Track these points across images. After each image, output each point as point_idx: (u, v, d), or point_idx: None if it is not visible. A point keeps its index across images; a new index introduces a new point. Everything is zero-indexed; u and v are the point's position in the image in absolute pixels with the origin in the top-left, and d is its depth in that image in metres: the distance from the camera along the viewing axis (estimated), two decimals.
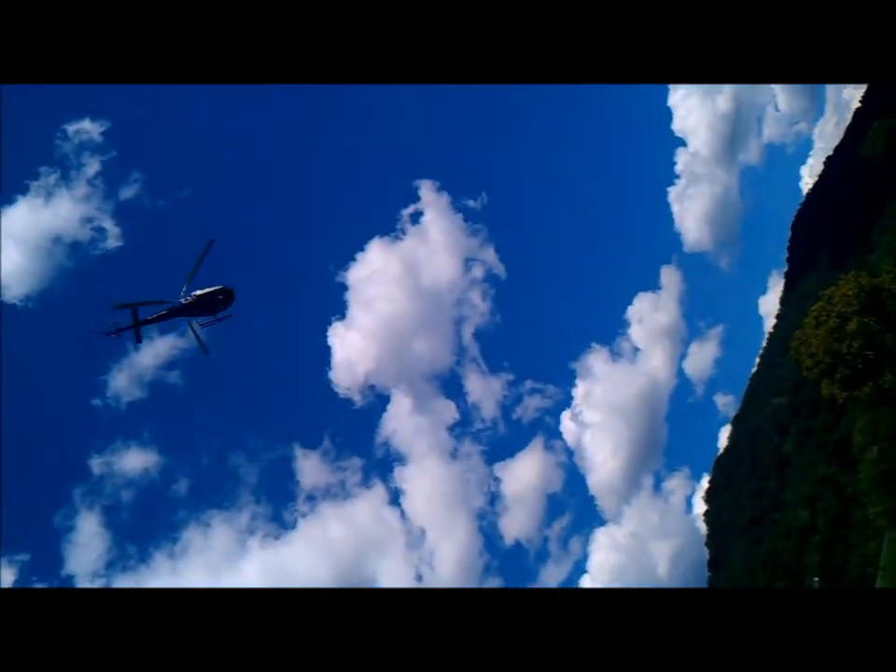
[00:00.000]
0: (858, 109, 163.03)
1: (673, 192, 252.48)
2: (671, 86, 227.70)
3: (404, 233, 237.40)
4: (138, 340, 44.85)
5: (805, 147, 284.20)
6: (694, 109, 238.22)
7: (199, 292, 45.70)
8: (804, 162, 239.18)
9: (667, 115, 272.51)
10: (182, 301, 45.55)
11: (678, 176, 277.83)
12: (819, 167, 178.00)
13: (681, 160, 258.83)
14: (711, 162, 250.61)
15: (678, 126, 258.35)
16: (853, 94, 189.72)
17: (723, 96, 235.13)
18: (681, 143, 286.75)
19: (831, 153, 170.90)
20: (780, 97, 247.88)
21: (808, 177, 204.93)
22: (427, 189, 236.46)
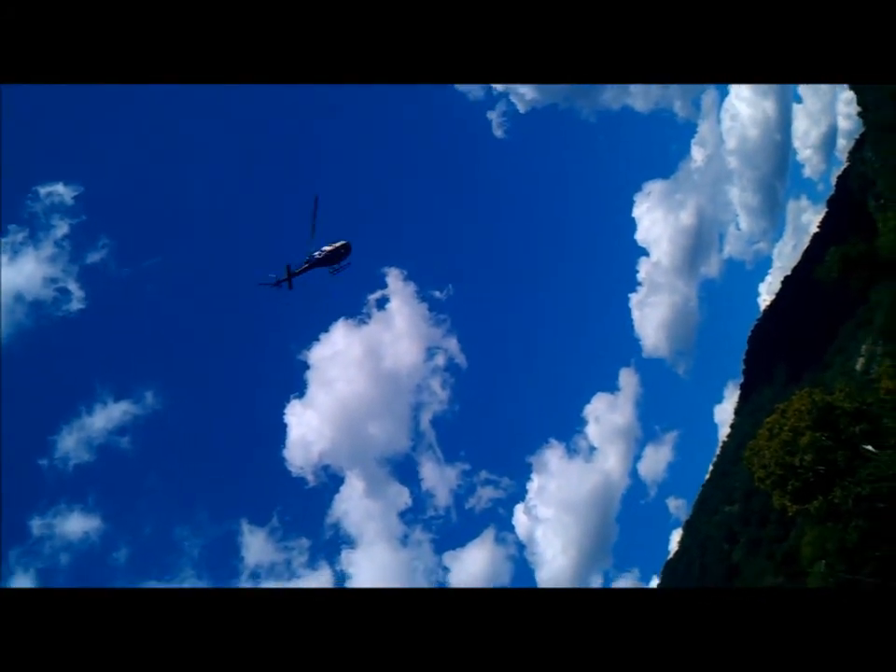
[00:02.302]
0: (816, 234, 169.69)
1: (634, 298, 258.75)
2: (636, 198, 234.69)
3: (369, 318, 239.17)
4: (290, 287, 58.01)
5: (764, 265, 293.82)
6: (658, 221, 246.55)
7: (327, 248, 58.06)
8: (762, 280, 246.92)
9: (632, 225, 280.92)
10: (316, 255, 57.91)
11: (640, 284, 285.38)
12: (777, 285, 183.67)
13: (644, 268, 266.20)
14: (672, 273, 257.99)
15: (641, 236, 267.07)
16: (812, 219, 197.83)
17: (686, 212, 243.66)
18: (644, 252, 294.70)
19: (789, 273, 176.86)
20: (742, 217, 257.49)
21: (766, 294, 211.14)
22: (394, 277, 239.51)
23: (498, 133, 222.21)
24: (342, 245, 58.72)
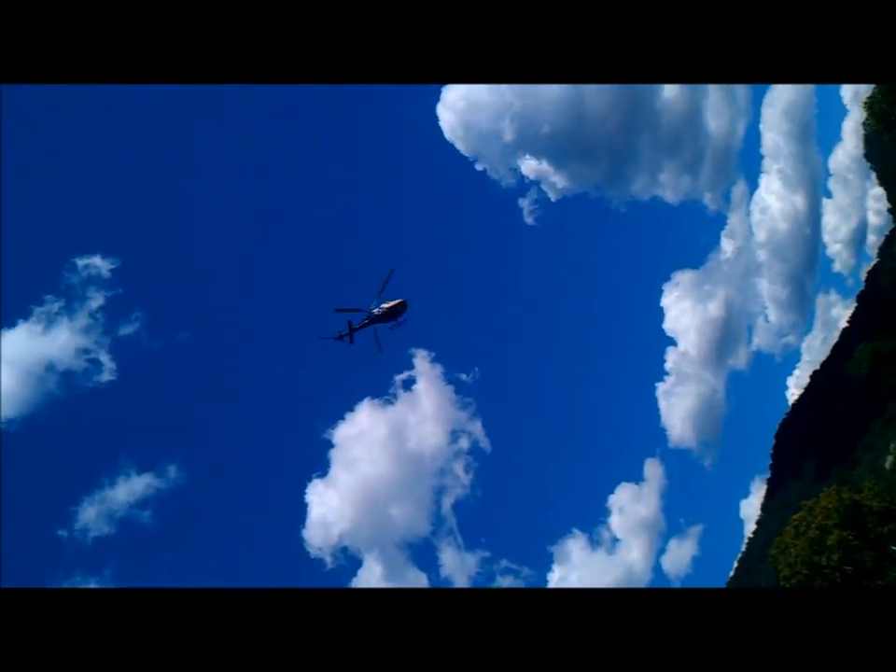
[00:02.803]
0: (845, 328, 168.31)
1: (661, 388, 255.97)
2: (664, 287, 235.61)
3: (395, 398, 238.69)
4: (351, 342, 62.53)
5: (792, 358, 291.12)
6: (686, 311, 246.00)
7: (385, 305, 62.16)
8: (790, 373, 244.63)
9: (660, 314, 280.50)
10: (375, 311, 62.11)
11: (667, 373, 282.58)
12: (806, 379, 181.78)
13: (671, 358, 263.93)
14: (699, 364, 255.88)
15: (669, 325, 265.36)
16: (841, 313, 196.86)
17: (715, 303, 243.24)
18: (672, 342, 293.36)
19: (817, 367, 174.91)
20: (771, 310, 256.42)
21: (794, 388, 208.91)
22: (421, 359, 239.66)
23: (529, 220, 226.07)
24: (399, 303, 62.81)
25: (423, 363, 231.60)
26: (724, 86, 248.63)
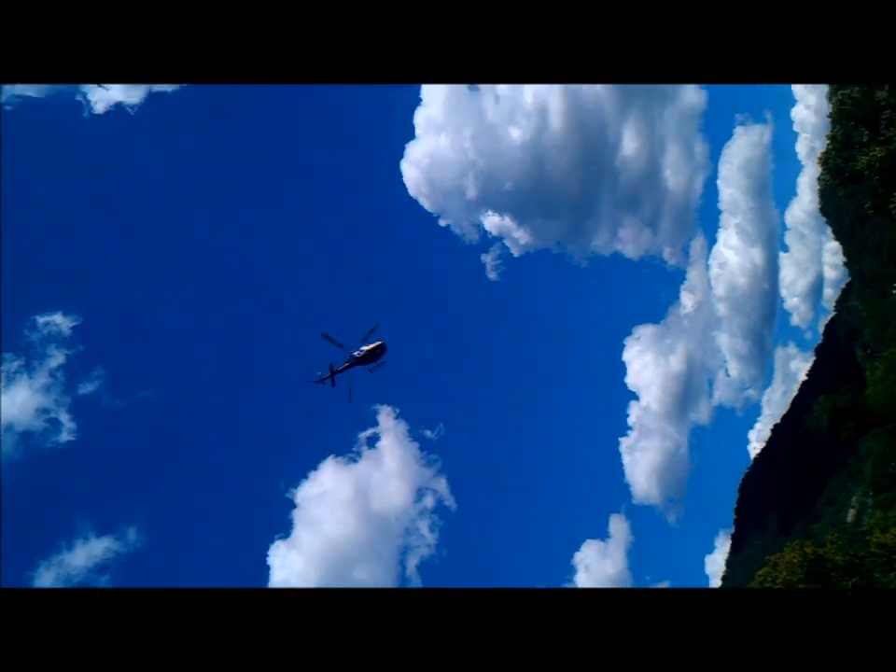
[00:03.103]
0: (804, 382, 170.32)
1: (625, 443, 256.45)
2: (626, 342, 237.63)
3: (360, 456, 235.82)
4: (333, 384, 65.64)
5: (753, 411, 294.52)
6: (648, 365, 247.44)
7: (366, 348, 65.24)
8: (752, 427, 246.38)
9: (622, 368, 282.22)
10: (355, 354, 65.15)
11: (630, 428, 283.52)
12: (767, 433, 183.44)
13: (634, 412, 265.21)
14: (662, 418, 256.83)
15: (631, 380, 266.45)
16: (800, 367, 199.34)
17: (676, 357, 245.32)
18: (634, 396, 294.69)
19: (778, 421, 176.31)
20: (731, 364, 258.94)
21: (756, 442, 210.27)
22: (386, 415, 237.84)
23: (493, 275, 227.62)
24: (378, 346, 66.17)
25: (387, 420, 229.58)
26: (682, 143, 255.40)
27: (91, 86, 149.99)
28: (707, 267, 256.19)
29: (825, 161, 73.35)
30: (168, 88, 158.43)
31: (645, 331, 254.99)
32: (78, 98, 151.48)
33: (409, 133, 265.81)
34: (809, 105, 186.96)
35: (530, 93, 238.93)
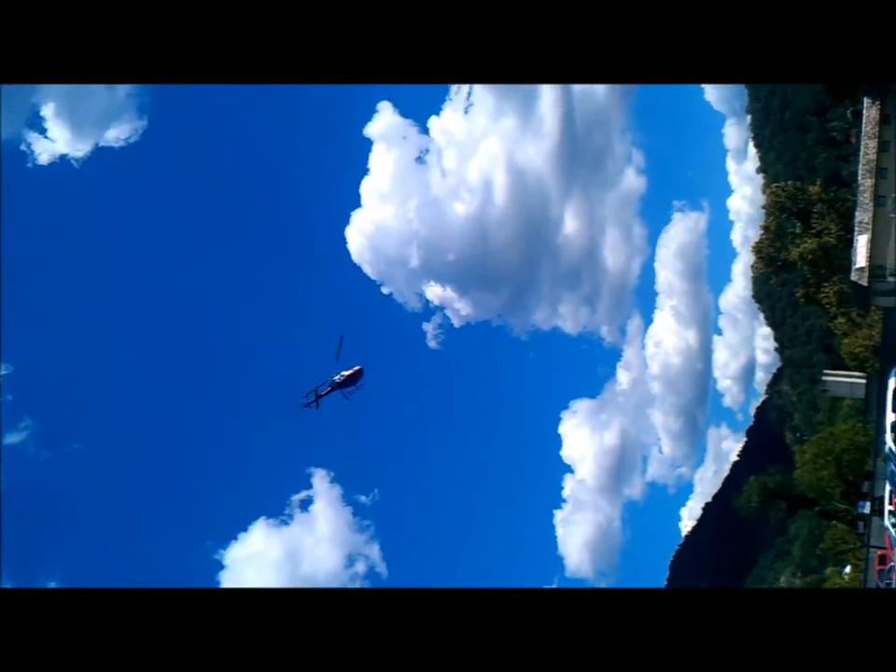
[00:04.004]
0: (735, 462, 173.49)
1: (559, 515, 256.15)
2: (562, 415, 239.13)
3: (291, 519, 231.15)
4: (317, 407, 70.67)
5: (685, 490, 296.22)
6: (584, 439, 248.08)
7: (345, 373, 70.23)
8: (683, 504, 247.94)
9: (558, 441, 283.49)
10: (336, 379, 69.97)
11: (564, 501, 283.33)
12: (699, 511, 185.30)
13: (568, 485, 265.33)
14: (596, 492, 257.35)
15: (566, 453, 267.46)
16: (732, 447, 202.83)
17: (611, 432, 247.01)
18: (569, 469, 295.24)
19: (709, 499, 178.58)
20: (665, 441, 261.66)
21: (687, 519, 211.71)
22: (320, 478, 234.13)
23: (433, 344, 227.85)
24: (356, 371, 71.43)
25: (322, 483, 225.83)
26: (621, 226, 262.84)
27: (35, 136, 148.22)
28: (643, 346, 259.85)
29: (759, 249, 76.25)
30: (114, 143, 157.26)
31: (581, 406, 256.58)
32: (23, 148, 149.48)
33: (354, 202, 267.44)
34: (745, 196, 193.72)
35: (476, 169, 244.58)
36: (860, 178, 55.17)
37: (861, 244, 53.65)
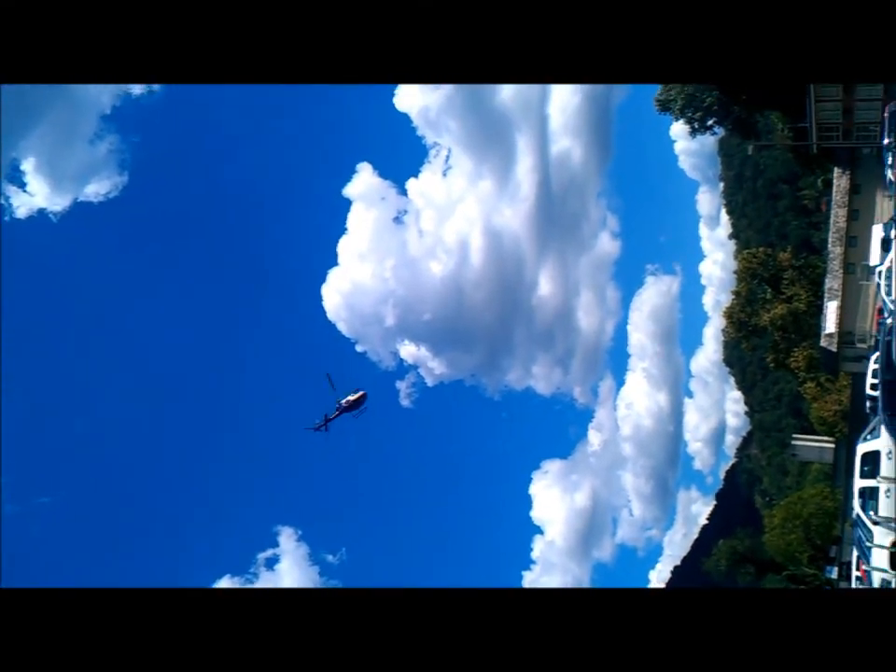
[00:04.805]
0: (705, 525, 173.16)
1: (528, 577, 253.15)
2: (534, 475, 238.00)
3: (256, 577, 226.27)
4: (326, 430, 78.24)
5: (655, 552, 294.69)
6: (555, 500, 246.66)
7: (351, 397, 77.45)
8: (653, 567, 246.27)
9: (528, 502, 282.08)
10: (343, 403, 77.35)
11: (533, 562, 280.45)
12: (667, 574, 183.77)
13: (538, 546, 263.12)
14: (566, 554, 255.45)
15: (537, 513, 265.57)
16: (701, 510, 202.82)
17: (582, 493, 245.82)
18: (539, 531, 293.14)
19: (678, 562, 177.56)
20: (635, 503, 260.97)
21: (657, 582, 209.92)
22: (287, 537, 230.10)
23: (406, 402, 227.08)
24: (361, 395, 78.41)
25: (288, 541, 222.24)
26: (595, 288, 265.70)
27: (14, 189, 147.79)
28: (615, 407, 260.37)
29: (730, 314, 77.20)
30: (93, 198, 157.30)
31: (553, 466, 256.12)
32: (0, 201, 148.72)
33: (332, 260, 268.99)
34: (717, 261, 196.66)
35: (453, 230, 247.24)
36: (830, 246, 56.35)
37: (831, 310, 54.54)
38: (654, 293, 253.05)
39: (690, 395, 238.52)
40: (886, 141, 36.65)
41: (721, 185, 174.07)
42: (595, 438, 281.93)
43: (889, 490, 27.18)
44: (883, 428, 27.28)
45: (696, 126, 69.56)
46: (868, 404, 39.87)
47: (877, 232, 44.20)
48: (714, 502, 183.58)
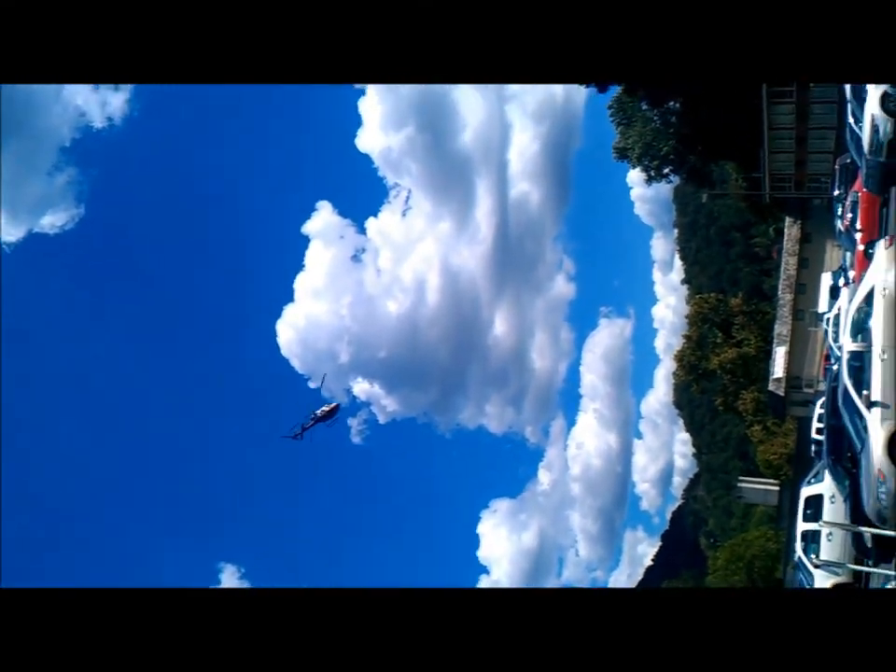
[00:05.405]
0: (649, 566, 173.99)
1: None
2: (482, 514, 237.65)
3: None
4: (302, 438, 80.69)
5: None
6: (502, 539, 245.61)
7: (325, 408, 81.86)
8: None
9: (475, 541, 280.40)
10: (318, 413, 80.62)
11: None
12: None
13: (483, 586, 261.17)
14: None
15: (483, 553, 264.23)
16: (647, 551, 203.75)
17: (529, 533, 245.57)
18: (485, 570, 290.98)
19: None
20: (582, 543, 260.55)
21: None
22: (229, 574, 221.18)
23: (357, 439, 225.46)
24: (334, 407, 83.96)
25: (230, 579, 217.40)
26: (549, 329, 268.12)
27: None
28: (566, 447, 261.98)
29: (681, 357, 78.41)
30: (49, 230, 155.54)
31: (502, 505, 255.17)
32: None
33: (288, 296, 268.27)
34: (669, 305, 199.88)
35: (410, 269, 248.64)
36: (780, 292, 57.75)
37: (780, 355, 55.72)
38: (607, 335, 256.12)
39: (639, 436, 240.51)
40: (836, 192, 37.70)
41: (676, 231, 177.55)
42: (544, 477, 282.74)
43: (830, 534, 27.68)
44: (827, 473, 27.77)
45: (653, 174, 70.64)
46: (813, 448, 40.60)
47: (826, 281, 45.23)
48: (660, 543, 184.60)
